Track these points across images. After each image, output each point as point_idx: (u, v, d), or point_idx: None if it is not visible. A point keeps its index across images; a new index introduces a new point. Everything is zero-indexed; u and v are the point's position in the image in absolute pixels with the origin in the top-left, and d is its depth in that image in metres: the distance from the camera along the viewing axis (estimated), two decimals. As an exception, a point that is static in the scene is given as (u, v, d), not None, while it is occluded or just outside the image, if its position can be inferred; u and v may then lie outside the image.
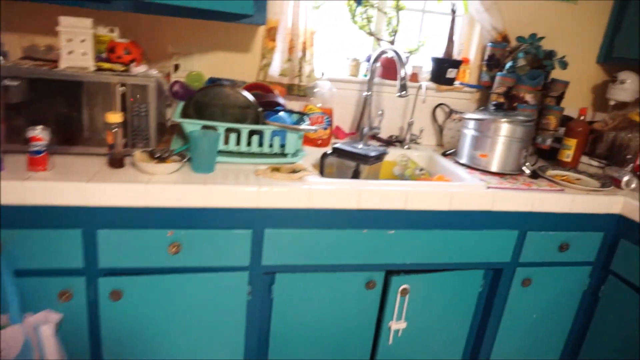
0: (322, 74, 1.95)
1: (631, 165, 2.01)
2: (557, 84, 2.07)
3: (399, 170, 1.93)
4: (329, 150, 1.70)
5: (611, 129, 2.16)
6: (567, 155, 1.98)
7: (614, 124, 2.17)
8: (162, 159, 1.43)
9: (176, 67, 1.84)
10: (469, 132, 1.87)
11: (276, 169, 1.53)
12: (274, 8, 1.86)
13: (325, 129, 1.92)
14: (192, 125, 1.51)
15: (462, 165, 1.88)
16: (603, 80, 2.36)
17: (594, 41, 2.29)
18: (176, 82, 1.72)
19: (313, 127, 1.61)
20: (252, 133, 1.61)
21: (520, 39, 2.06)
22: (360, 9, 2.01)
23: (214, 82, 1.74)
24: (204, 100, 1.56)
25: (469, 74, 2.19)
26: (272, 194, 1.40)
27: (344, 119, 2.11)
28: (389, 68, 2.06)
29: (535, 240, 1.70)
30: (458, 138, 2.05)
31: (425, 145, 2.18)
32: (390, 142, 2.10)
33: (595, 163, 2.14)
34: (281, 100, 1.75)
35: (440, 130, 2.17)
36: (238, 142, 1.60)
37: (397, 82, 1.74)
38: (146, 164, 1.36)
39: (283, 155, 1.65)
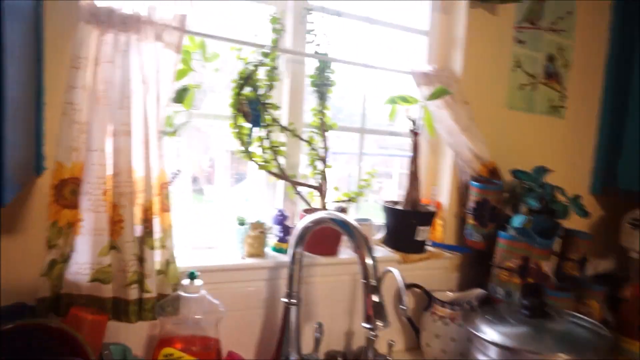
0: (194, 275, 0.91)
1: None
2: (579, 241, 1.31)
3: None
4: None
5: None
6: (628, 365, 1.16)
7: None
8: None
9: None
10: (490, 361, 0.96)
11: None
12: (67, 140, 0.83)
13: (202, 392, 0.86)
14: None
15: None
16: (600, 216, 1.70)
17: (584, 166, 1.64)
18: None
19: None
20: None
21: (519, 174, 1.29)
22: (257, 132, 1.08)
23: None
24: None
25: (443, 227, 1.35)
26: None
27: (243, 338, 1.07)
28: (323, 237, 1.11)
29: None
30: (451, 352, 1.13)
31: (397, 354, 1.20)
32: (332, 371, 1.10)
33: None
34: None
35: (414, 329, 1.24)
36: None
37: (365, 308, 0.79)
38: None
39: None
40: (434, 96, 1.20)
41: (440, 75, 1.29)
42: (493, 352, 0.95)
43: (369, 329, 0.79)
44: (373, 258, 0.82)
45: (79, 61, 0.84)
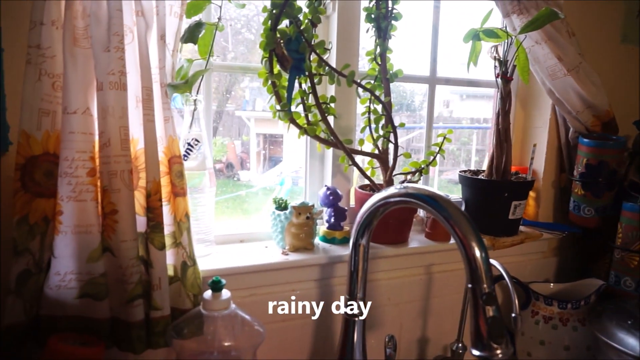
0: (219, 285, 0.65)
1: None
2: None
3: None
4: None
5: None
6: None
7: None
8: None
9: None
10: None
11: None
12: (34, 100, 0.58)
13: None
14: None
15: None
16: None
17: None
18: None
19: None
20: None
21: (646, 125, 0.97)
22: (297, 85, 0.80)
23: None
24: None
25: (536, 200, 1.05)
26: None
27: (289, 356, 0.83)
28: (390, 221, 0.84)
29: None
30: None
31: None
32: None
33: None
34: None
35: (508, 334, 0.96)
36: None
37: (475, 326, 0.52)
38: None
39: None
40: (536, 23, 0.87)
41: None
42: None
43: (483, 357, 0.52)
44: (485, 251, 0.54)
45: (47, -15, 0.58)
